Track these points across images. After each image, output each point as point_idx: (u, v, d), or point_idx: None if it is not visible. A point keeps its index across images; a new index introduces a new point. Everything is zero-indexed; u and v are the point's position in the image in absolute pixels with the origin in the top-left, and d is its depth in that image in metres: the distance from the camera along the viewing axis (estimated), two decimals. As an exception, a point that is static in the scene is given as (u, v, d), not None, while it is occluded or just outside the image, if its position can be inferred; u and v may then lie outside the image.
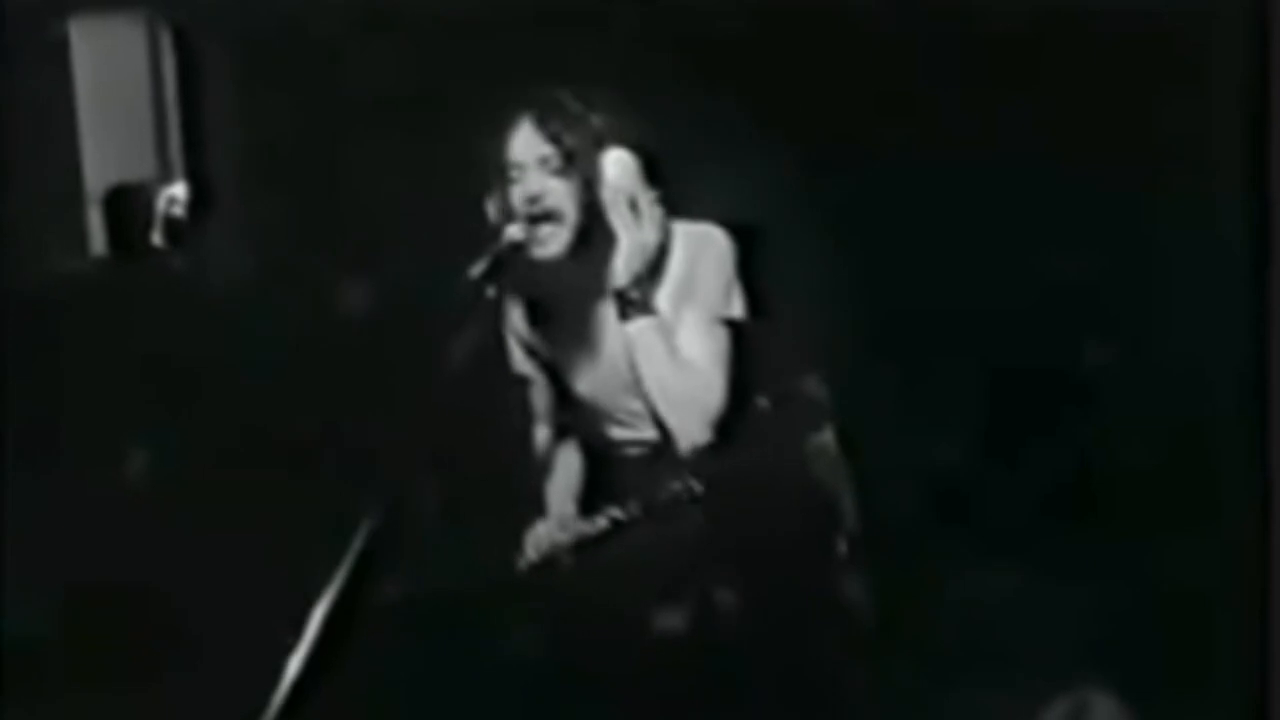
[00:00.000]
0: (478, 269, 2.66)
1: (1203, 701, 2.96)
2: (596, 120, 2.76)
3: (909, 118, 3.21)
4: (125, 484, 3.36)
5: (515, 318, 2.97)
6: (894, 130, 3.21)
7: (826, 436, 2.87)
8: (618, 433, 2.91)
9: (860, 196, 3.23)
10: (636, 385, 2.78)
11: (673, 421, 2.75)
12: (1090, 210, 3.20)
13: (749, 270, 2.78)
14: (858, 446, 2.85)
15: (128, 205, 3.37)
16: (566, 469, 3.02)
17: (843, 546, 2.79)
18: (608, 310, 2.78)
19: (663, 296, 2.76)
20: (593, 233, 2.74)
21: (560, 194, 2.74)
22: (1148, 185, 3.18)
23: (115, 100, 3.33)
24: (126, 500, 3.34)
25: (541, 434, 3.06)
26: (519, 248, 2.72)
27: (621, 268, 2.72)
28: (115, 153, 3.35)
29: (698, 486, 2.76)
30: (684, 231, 2.80)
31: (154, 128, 3.35)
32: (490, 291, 2.66)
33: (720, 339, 2.77)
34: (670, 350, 2.73)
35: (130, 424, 3.37)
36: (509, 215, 2.75)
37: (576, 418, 2.98)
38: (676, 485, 2.76)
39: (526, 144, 2.77)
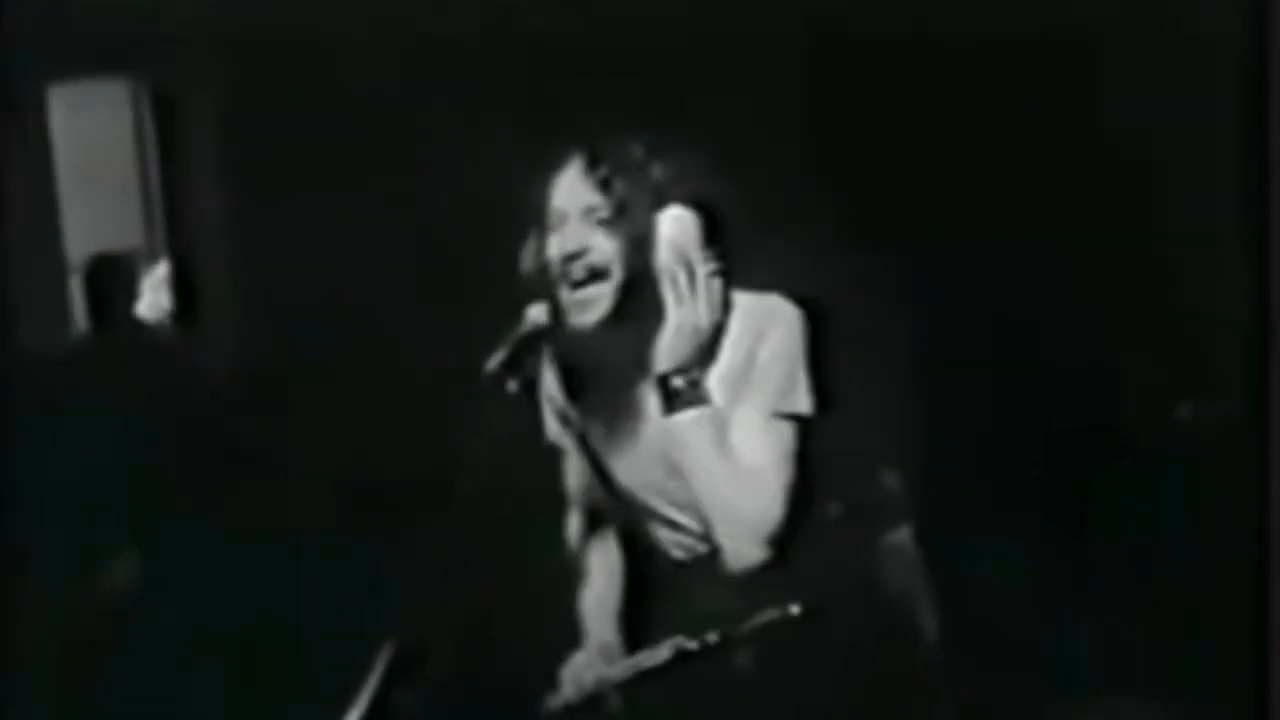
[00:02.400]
0: (495, 360, 2.30)
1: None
2: (658, 170, 2.41)
3: (999, 188, 3.05)
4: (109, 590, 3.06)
5: (550, 381, 2.59)
6: (980, 201, 3.04)
7: (904, 538, 2.59)
8: (664, 534, 2.55)
9: (940, 271, 3.04)
10: (684, 484, 2.41)
11: (722, 535, 2.39)
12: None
13: (816, 351, 2.44)
14: (939, 549, 2.60)
15: (110, 277, 3.15)
16: (606, 572, 2.63)
17: (926, 668, 2.50)
18: (651, 392, 2.42)
19: (715, 381, 2.39)
20: (639, 299, 2.38)
21: (606, 250, 2.38)
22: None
23: (96, 168, 3.15)
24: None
25: (575, 521, 2.68)
26: (543, 333, 2.37)
27: (666, 350, 2.36)
28: (96, 222, 3.15)
29: (795, 609, 2.36)
30: (746, 304, 2.43)
31: (137, 196, 3.16)
32: (512, 386, 2.30)
33: (783, 437, 2.39)
34: (723, 449, 2.35)
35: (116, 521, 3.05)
36: (544, 271, 2.40)
37: (614, 509, 2.61)
38: (772, 612, 2.36)
39: (572, 189, 2.41)
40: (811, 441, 2.44)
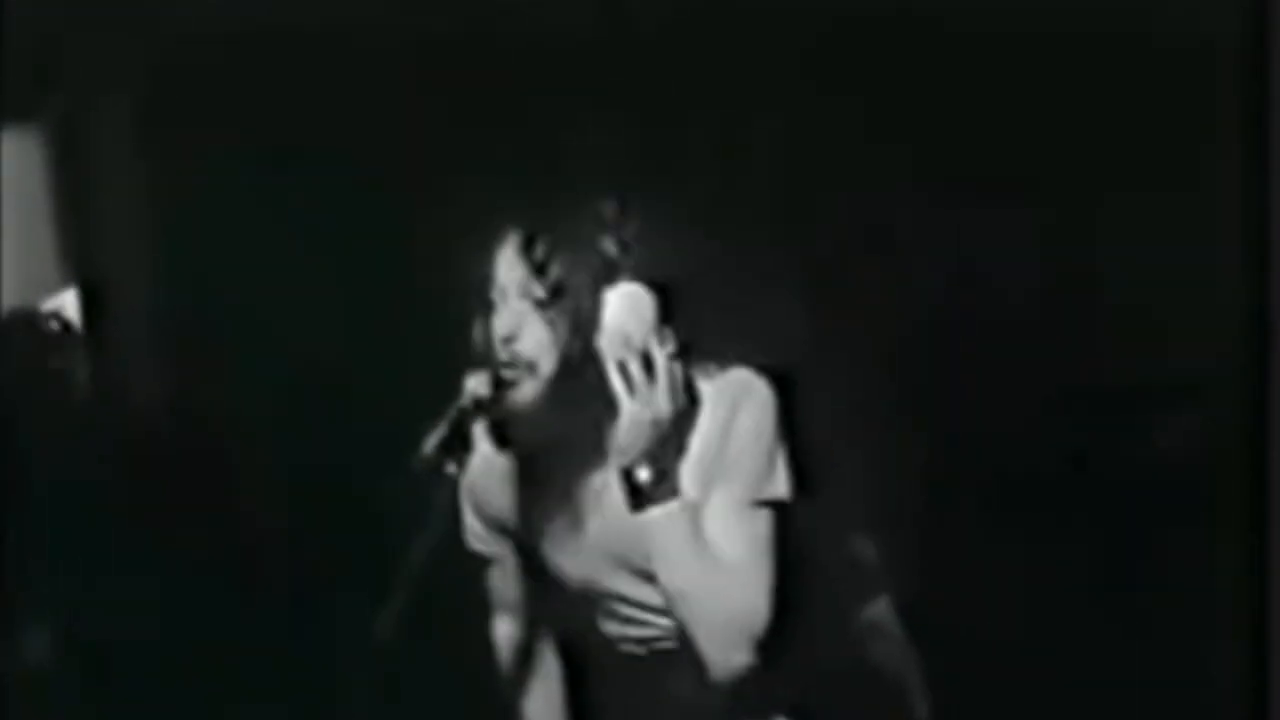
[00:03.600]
0: (432, 441, 2.06)
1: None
2: (609, 243, 2.18)
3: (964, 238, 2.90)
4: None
5: (475, 468, 2.30)
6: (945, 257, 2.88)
7: (882, 610, 2.48)
8: (615, 629, 2.31)
9: (909, 334, 2.91)
10: (648, 574, 2.19)
11: (703, 640, 2.16)
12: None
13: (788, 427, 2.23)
14: (922, 620, 2.49)
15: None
16: (546, 686, 2.41)
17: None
18: (601, 469, 2.19)
19: (686, 468, 2.16)
20: (583, 385, 2.15)
21: (537, 338, 2.16)
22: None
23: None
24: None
25: (504, 631, 2.44)
26: (483, 405, 2.13)
27: (625, 444, 2.12)
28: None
29: None
30: (714, 383, 2.21)
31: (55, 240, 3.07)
32: (451, 468, 2.08)
33: (761, 525, 2.18)
34: (699, 546, 2.13)
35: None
36: (488, 349, 2.18)
37: (553, 608, 2.36)
38: None
39: (510, 266, 2.19)
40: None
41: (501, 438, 2.27)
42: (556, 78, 2.89)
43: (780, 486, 2.22)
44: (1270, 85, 2.89)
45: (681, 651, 2.22)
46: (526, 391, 2.17)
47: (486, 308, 2.21)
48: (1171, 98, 2.96)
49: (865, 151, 2.94)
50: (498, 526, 2.37)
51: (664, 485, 2.14)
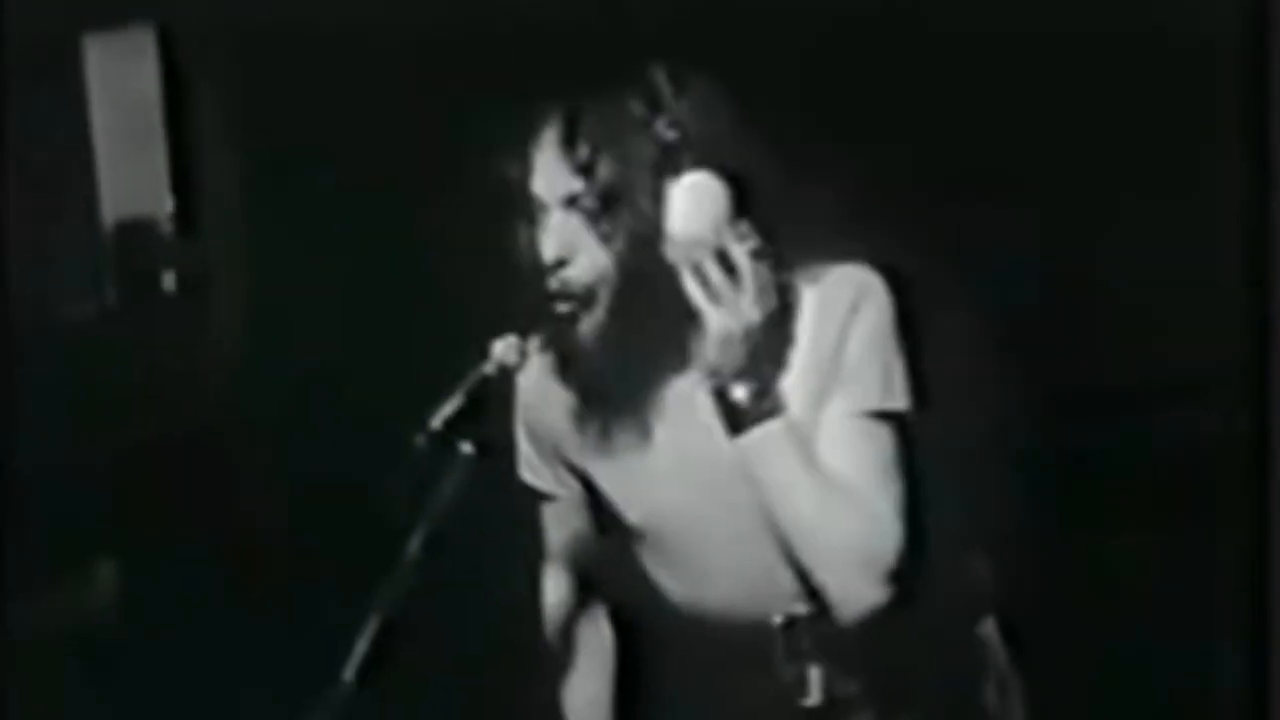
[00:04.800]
0: (443, 414, 1.71)
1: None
2: (665, 127, 1.83)
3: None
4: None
5: (529, 391, 2.01)
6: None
7: (989, 630, 2.10)
8: (689, 593, 2.00)
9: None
10: (745, 519, 1.89)
11: (826, 577, 1.88)
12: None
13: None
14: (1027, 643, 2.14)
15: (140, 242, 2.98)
16: (596, 658, 2.09)
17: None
18: (683, 390, 1.88)
19: (792, 380, 1.87)
20: (654, 284, 1.83)
21: (591, 258, 1.83)
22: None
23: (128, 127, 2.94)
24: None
25: (556, 585, 2.10)
26: (509, 374, 1.79)
27: (715, 362, 1.83)
28: (129, 184, 2.96)
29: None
30: (821, 280, 1.89)
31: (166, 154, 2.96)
32: (466, 447, 1.70)
33: (883, 441, 1.88)
34: (810, 467, 1.84)
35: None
36: (540, 277, 1.85)
37: (608, 561, 2.07)
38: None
39: (549, 172, 1.85)
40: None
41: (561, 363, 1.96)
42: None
43: (898, 395, 1.90)
44: (1270, 85, 2.87)
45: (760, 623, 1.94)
46: (586, 329, 1.86)
47: (529, 218, 1.88)
48: (1172, 98, 2.96)
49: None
50: (553, 452, 2.06)
51: (767, 403, 1.84)
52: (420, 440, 1.70)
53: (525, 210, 1.88)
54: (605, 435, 1.94)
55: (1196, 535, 3.10)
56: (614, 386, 1.91)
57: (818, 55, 2.87)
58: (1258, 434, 3.04)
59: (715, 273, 1.80)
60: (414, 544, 1.67)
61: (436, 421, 1.70)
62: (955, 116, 3.01)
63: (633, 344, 1.86)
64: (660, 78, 1.86)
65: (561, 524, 2.11)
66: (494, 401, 1.75)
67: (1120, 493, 3.15)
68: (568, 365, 1.94)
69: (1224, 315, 3.00)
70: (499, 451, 1.77)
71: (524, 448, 2.08)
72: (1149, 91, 2.97)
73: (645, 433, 1.92)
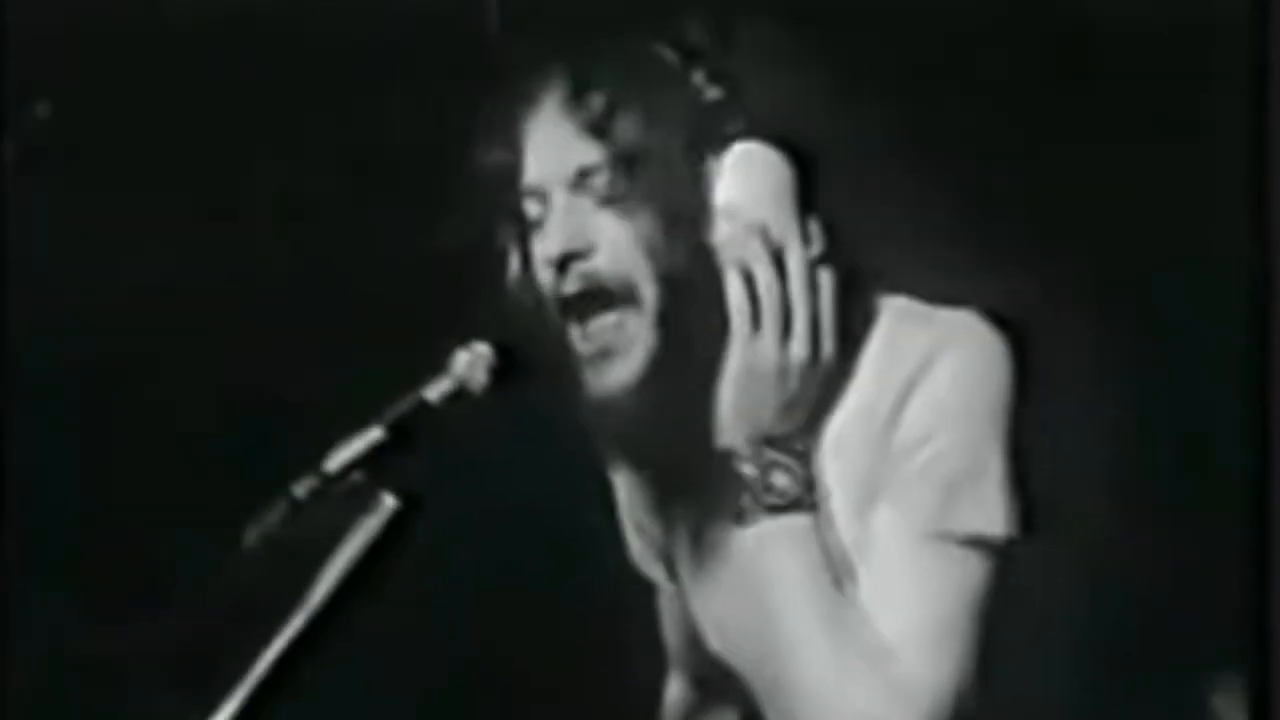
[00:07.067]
0: (347, 453, 1.29)
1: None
2: (705, 80, 1.36)
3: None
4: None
5: (625, 485, 1.62)
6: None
7: None
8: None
9: None
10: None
11: None
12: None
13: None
14: None
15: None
16: None
17: None
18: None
19: (835, 474, 1.37)
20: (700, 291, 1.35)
21: (615, 245, 1.38)
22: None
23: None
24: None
25: (674, 689, 1.74)
26: (464, 398, 1.36)
27: (732, 406, 1.35)
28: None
29: None
30: (899, 314, 1.41)
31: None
32: (356, 477, 1.30)
33: (954, 579, 1.36)
34: (836, 596, 1.34)
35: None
36: (535, 289, 1.44)
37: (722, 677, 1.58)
38: None
39: (551, 140, 1.41)
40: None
41: (624, 441, 1.47)
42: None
43: (997, 519, 1.38)
44: (1270, 85, 2.88)
45: None
46: (624, 348, 1.40)
47: (520, 226, 1.43)
48: (1172, 98, 2.95)
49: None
50: (650, 540, 1.67)
51: (791, 483, 1.35)
52: (306, 486, 1.30)
53: (509, 204, 1.47)
54: (674, 536, 1.48)
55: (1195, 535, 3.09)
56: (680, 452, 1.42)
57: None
58: (1258, 433, 3.05)
59: (767, 276, 1.33)
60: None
61: (333, 463, 1.30)
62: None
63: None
64: (697, 21, 1.42)
65: (671, 621, 1.75)
66: (433, 435, 1.32)
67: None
68: (606, 410, 1.45)
69: (1224, 315, 2.99)
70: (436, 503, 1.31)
71: (629, 536, 1.72)
72: (1149, 91, 2.94)
73: (706, 538, 1.44)
